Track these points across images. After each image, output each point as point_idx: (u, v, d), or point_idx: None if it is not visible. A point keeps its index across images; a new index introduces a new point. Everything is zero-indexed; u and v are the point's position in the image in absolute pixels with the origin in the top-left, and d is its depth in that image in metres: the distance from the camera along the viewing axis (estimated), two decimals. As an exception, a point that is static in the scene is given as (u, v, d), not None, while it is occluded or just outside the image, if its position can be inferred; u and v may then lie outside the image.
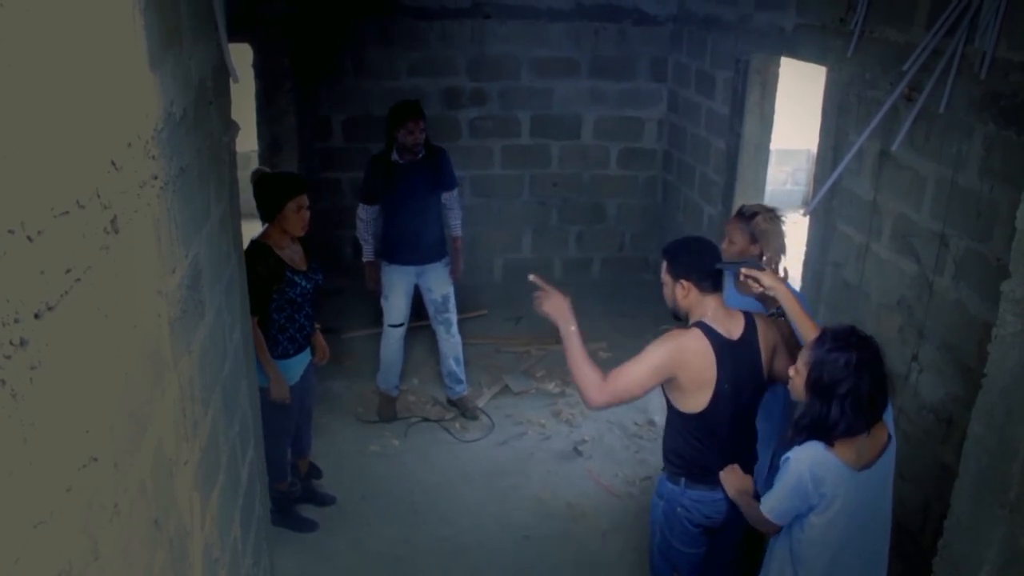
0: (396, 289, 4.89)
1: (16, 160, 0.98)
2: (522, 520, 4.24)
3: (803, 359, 2.37)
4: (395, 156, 4.69)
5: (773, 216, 3.25)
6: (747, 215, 3.28)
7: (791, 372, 2.43)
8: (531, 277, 2.80)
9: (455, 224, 5.03)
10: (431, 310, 5.08)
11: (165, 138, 1.72)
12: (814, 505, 2.33)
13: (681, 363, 2.59)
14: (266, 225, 3.65)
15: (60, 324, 1.11)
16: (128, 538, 1.40)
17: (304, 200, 3.60)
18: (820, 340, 2.34)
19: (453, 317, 5.09)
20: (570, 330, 2.68)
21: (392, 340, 5.03)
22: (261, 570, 3.01)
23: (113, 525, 1.32)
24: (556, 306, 2.71)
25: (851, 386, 2.22)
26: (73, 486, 1.15)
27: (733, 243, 3.24)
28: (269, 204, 3.58)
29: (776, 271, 2.99)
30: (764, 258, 3.13)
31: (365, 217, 4.81)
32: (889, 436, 2.40)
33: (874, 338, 2.36)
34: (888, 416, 2.41)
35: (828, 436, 2.29)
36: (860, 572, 2.47)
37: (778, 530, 2.48)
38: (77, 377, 1.18)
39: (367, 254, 4.90)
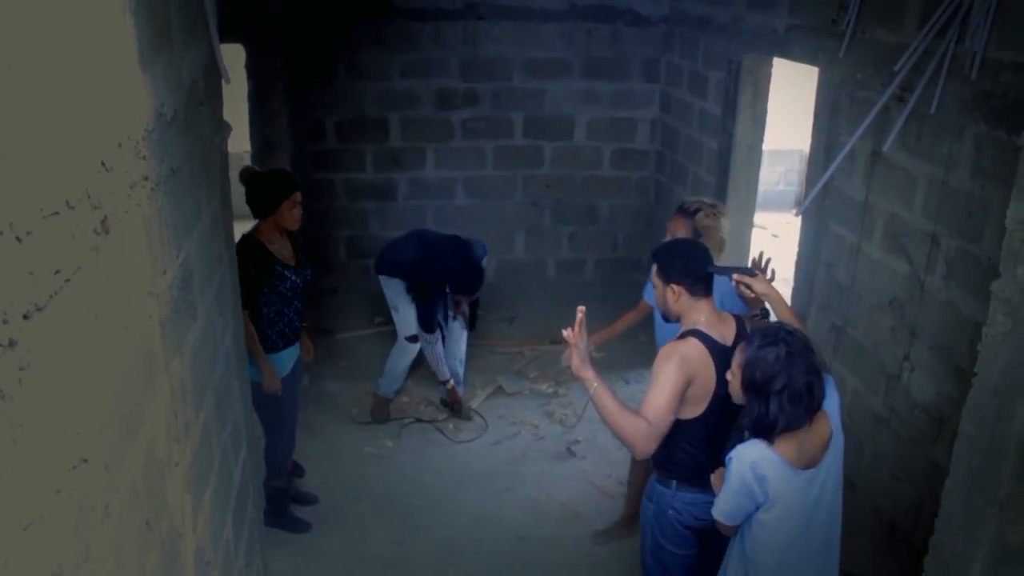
0: (406, 299, 4.86)
1: (5, 160, 0.98)
2: (516, 521, 4.24)
3: (736, 361, 2.38)
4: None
5: (715, 212, 3.25)
6: (690, 211, 3.27)
7: (728, 376, 2.44)
8: (564, 333, 2.59)
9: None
10: (450, 310, 5.09)
11: (156, 139, 1.72)
12: (761, 503, 2.34)
13: (689, 374, 2.59)
14: (257, 221, 3.69)
15: (50, 325, 1.10)
16: (120, 540, 1.39)
17: (298, 196, 3.69)
18: (750, 340, 2.36)
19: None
20: (594, 387, 2.52)
21: (408, 353, 5.01)
22: (254, 572, 3.00)
23: (104, 527, 1.31)
24: (575, 364, 2.56)
25: (786, 380, 2.24)
26: (63, 488, 1.15)
27: None
28: (265, 202, 3.64)
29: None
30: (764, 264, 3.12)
31: (432, 340, 4.87)
32: (832, 431, 2.38)
33: (801, 331, 2.39)
34: (832, 409, 2.40)
35: (770, 434, 2.29)
36: (812, 569, 2.47)
37: (734, 531, 2.49)
38: (67, 378, 1.18)
39: (443, 375, 5.02)
